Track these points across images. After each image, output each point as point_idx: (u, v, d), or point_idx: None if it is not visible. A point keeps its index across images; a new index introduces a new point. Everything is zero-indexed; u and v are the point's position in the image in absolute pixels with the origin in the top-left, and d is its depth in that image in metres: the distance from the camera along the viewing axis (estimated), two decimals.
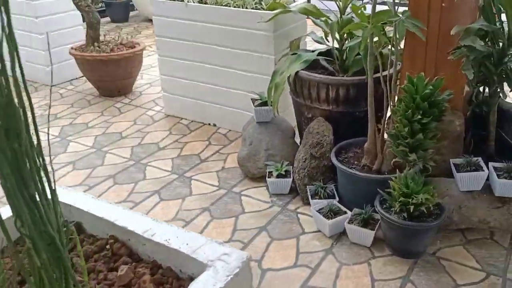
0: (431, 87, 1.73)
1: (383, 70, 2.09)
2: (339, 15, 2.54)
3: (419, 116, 1.75)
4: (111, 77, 3.78)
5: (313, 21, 2.67)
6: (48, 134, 1.29)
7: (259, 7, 2.92)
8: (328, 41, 2.63)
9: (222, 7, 2.94)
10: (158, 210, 2.35)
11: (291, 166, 2.48)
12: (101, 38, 3.97)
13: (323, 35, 2.67)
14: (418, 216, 1.89)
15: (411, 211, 1.83)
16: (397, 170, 1.99)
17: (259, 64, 2.91)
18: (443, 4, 1.99)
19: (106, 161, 2.86)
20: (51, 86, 4.23)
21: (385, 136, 2.12)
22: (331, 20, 2.50)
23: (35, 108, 3.65)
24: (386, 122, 2.13)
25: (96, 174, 2.72)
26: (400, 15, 1.84)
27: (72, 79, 4.23)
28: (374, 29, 1.82)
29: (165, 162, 2.83)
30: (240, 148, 2.68)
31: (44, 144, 0.87)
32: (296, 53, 2.64)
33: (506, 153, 2.40)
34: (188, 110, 3.41)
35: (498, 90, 2.36)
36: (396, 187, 1.89)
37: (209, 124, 3.35)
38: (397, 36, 1.81)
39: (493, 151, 2.41)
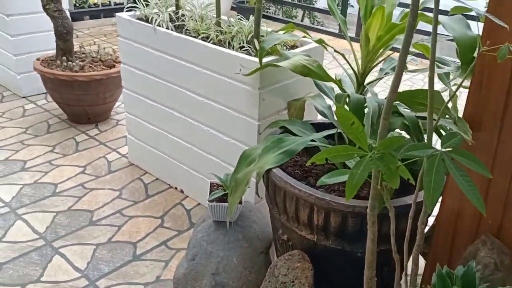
0: None
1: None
2: (355, 84, 1.57)
3: None
4: (76, 101, 3.00)
5: (315, 85, 1.72)
6: None
7: (251, 48, 1.99)
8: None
9: (194, 39, 2.04)
10: None
11: None
12: (79, 49, 3.22)
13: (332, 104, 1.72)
14: None
15: None
16: None
17: (239, 128, 1.99)
18: None
19: (8, 236, 2.05)
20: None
21: None
22: (342, 91, 1.55)
23: None
24: None
25: None
26: (441, 149, 0.87)
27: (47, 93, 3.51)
28: (378, 164, 0.86)
29: (82, 251, 1.99)
30: (180, 262, 1.78)
31: None
32: (285, 128, 1.71)
33: None
34: (154, 164, 2.56)
35: None
36: None
37: (176, 188, 2.48)
38: (431, 198, 0.83)
39: None
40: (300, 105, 1.90)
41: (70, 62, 2.95)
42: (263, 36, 2.14)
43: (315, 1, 8.34)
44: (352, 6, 6.20)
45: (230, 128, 2.03)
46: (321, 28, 6.16)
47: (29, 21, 3.32)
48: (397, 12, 1.62)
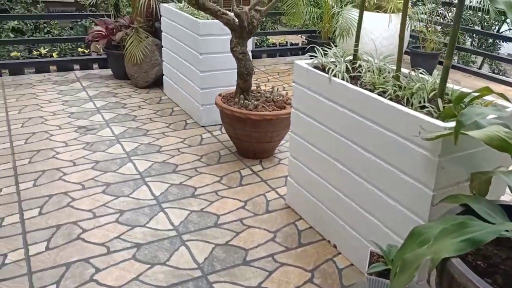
0: None
1: None
2: None
3: None
4: (247, 137, 3.18)
5: None
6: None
7: (433, 108, 1.80)
8: None
9: (369, 93, 1.94)
10: None
11: None
12: (255, 88, 3.42)
13: None
14: None
15: None
16: None
17: (409, 194, 1.81)
18: None
19: (172, 260, 2.22)
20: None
21: None
22: None
23: (168, 150, 3.33)
24: None
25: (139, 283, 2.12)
26: None
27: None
28: None
29: None
30: None
31: None
32: (466, 208, 1.47)
33: None
34: (310, 212, 2.51)
35: None
36: None
37: (329, 242, 2.38)
38: None
39: None
40: (487, 179, 1.63)
41: (246, 101, 3.15)
42: (447, 94, 1.93)
43: (499, 47, 7.47)
44: None
45: (398, 192, 1.86)
46: (505, 78, 5.42)
47: (216, 60, 3.68)
48: None
